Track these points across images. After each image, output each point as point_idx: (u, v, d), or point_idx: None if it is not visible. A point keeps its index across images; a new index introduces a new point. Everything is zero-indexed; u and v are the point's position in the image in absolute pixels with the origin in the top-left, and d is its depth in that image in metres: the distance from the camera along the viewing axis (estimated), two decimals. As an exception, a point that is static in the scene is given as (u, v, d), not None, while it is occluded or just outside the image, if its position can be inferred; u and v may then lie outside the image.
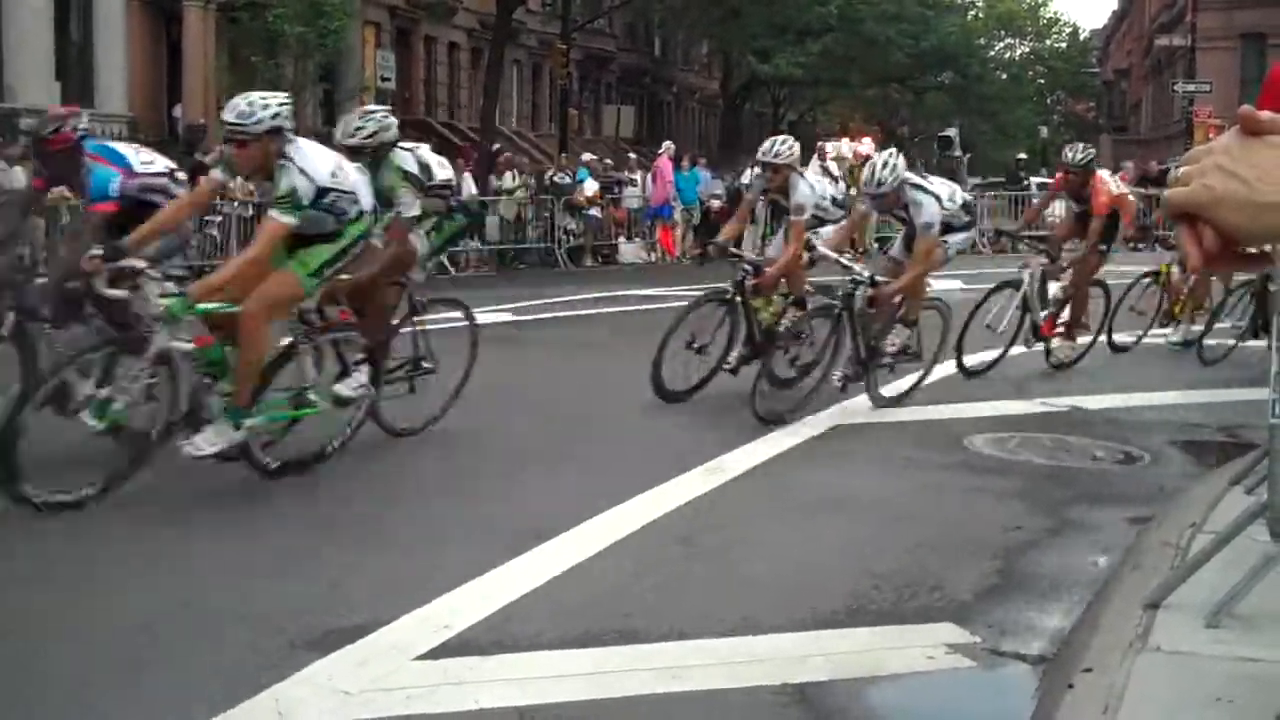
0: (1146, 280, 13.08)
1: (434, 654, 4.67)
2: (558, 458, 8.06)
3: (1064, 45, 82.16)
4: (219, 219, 18.34)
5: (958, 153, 44.63)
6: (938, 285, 11.55)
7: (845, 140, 31.22)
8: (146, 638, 4.80)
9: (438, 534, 6.34)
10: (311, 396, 7.29)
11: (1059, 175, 12.21)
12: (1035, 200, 13.93)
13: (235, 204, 18.52)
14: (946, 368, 10.90)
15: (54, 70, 27.09)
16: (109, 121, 26.67)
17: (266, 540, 6.11)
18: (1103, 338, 12.25)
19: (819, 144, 31.34)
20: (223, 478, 6.78)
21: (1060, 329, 11.83)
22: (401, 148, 8.43)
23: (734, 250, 10.35)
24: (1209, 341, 12.44)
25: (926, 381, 10.29)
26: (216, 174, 7.33)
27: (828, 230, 10.16)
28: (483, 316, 10.84)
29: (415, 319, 8.61)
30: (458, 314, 9.23)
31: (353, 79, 27.70)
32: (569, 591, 5.44)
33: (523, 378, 10.84)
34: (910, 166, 10.30)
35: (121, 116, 27.85)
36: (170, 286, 6.53)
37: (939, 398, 10.18)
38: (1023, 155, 47.22)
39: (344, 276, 7.52)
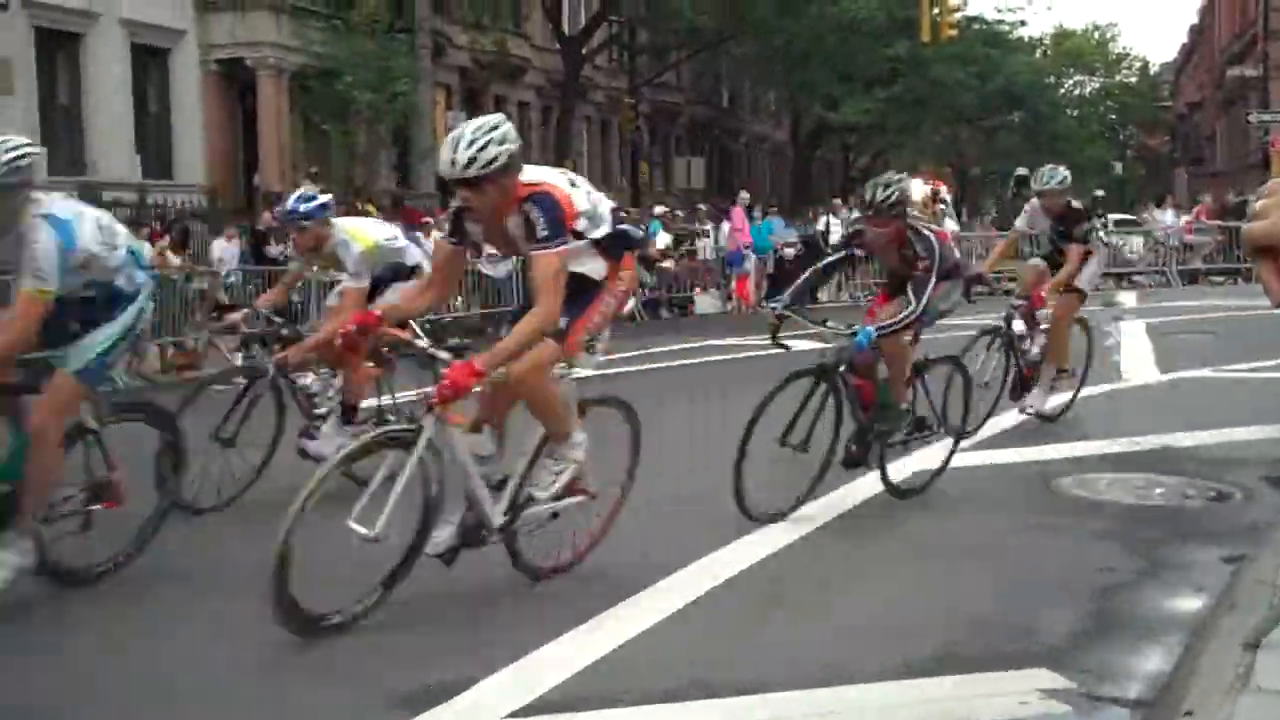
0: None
1: (523, 712, 4.66)
2: (643, 511, 8.04)
3: (1134, 80, 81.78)
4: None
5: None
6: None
7: (918, 180, 31.05)
8: (236, 699, 4.84)
9: (526, 590, 6.34)
10: None
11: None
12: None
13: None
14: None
15: (134, 143, 27.67)
16: (189, 192, 27.17)
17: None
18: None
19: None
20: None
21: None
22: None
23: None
24: None
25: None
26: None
27: None
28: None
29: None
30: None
31: (424, 141, 28.04)
32: (656, 647, 5.42)
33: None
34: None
35: (200, 186, 28.38)
36: None
37: (1024, 439, 10.07)
38: (1099, 192, 46.63)
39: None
